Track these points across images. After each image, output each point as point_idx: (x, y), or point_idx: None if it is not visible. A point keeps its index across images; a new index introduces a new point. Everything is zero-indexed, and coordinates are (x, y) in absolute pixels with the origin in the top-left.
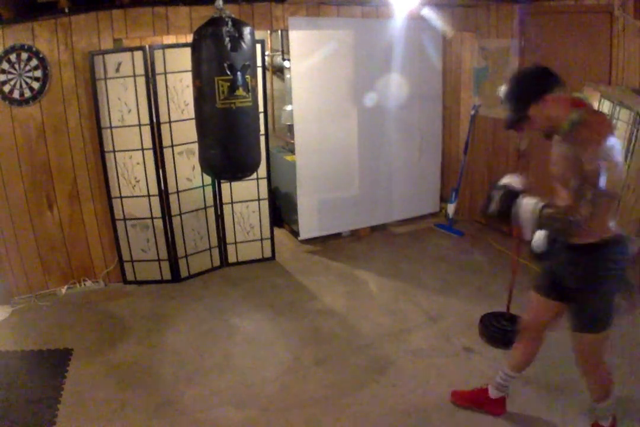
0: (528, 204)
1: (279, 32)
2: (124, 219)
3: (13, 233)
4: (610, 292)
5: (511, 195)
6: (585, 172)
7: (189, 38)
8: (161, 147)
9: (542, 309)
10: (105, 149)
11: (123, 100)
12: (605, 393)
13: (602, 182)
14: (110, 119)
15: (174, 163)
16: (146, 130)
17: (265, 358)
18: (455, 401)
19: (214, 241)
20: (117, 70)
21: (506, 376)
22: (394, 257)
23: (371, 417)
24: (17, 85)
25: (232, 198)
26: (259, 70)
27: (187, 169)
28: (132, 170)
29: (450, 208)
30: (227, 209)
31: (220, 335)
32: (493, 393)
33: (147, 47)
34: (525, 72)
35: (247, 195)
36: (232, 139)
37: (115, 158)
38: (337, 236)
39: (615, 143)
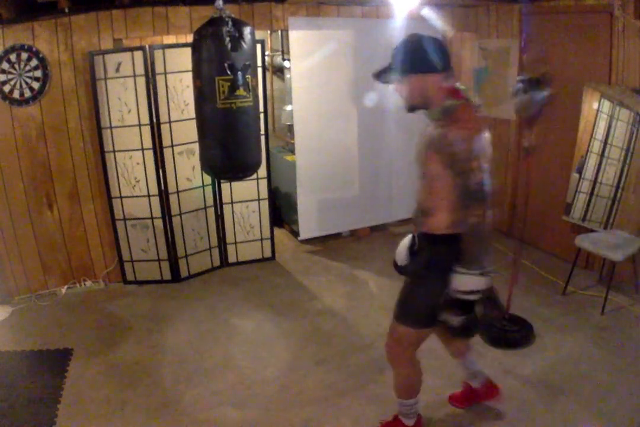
0: (459, 275)
1: (279, 32)
2: (124, 219)
3: (13, 233)
4: (435, 291)
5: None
6: (455, 168)
7: (189, 38)
8: (161, 147)
9: None
10: (105, 149)
11: (123, 100)
12: (408, 393)
13: (474, 178)
14: (110, 119)
15: (174, 163)
16: (146, 130)
17: (265, 358)
18: (455, 405)
19: (214, 241)
20: (117, 70)
21: (464, 365)
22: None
23: (371, 417)
24: (17, 85)
25: (232, 198)
26: (259, 70)
27: (187, 169)
28: (132, 170)
29: None
30: (227, 209)
31: (220, 335)
32: (475, 384)
33: (147, 47)
34: (430, 41)
35: (247, 195)
36: (232, 139)
37: (115, 158)
38: (337, 236)
39: (482, 142)
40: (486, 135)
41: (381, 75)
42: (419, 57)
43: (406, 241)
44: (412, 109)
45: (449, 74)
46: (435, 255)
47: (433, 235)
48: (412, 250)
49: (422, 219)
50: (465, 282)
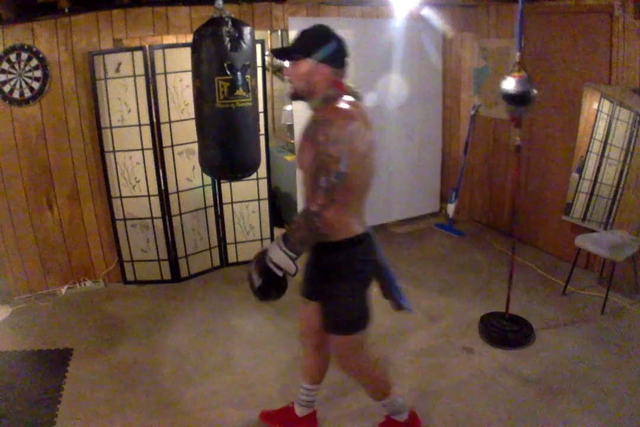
0: (273, 250)
1: (279, 32)
2: (124, 219)
3: (13, 233)
4: (358, 293)
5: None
6: (322, 155)
7: (189, 38)
8: (161, 147)
9: (310, 314)
10: (105, 149)
11: (123, 100)
12: (383, 393)
13: (343, 168)
14: (110, 119)
15: (174, 163)
16: (146, 130)
17: (265, 358)
18: (265, 422)
19: (214, 241)
20: (117, 70)
21: (307, 391)
22: (394, 257)
23: (371, 417)
24: (17, 85)
25: (232, 198)
26: (259, 70)
27: (187, 169)
28: (132, 170)
29: (450, 208)
30: (227, 209)
31: (220, 335)
32: (299, 411)
33: (147, 47)
34: (341, 41)
35: (247, 195)
36: (232, 139)
37: (115, 158)
38: None
39: (364, 133)
40: (364, 125)
41: (281, 53)
42: (321, 45)
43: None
44: (295, 96)
45: (341, 74)
46: (335, 266)
47: (326, 243)
48: (310, 262)
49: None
50: (279, 257)
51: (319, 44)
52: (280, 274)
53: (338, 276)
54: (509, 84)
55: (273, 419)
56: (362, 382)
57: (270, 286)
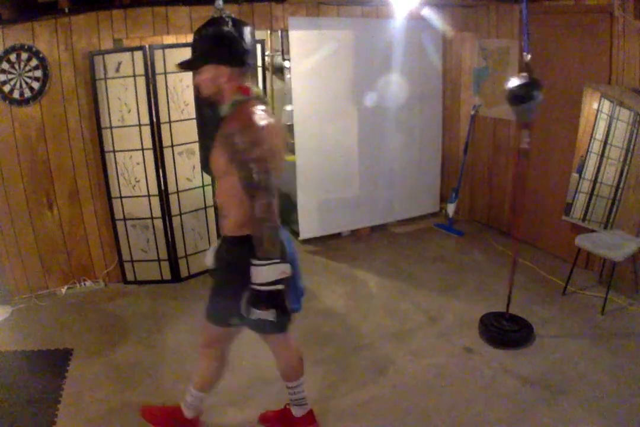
0: (256, 276)
1: (279, 32)
2: (124, 219)
3: (13, 233)
4: (233, 293)
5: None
6: (248, 161)
7: (189, 38)
8: (161, 147)
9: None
10: (105, 149)
11: (123, 100)
12: (205, 386)
13: (270, 166)
14: (110, 119)
15: (174, 163)
16: (146, 130)
17: (265, 358)
18: (145, 418)
19: (214, 240)
20: (117, 70)
21: (193, 397)
22: (394, 257)
23: (371, 417)
24: (17, 85)
25: None
26: (259, 70)
27: (187, 169)
28: (132, 170)
29: (450, 208)
30: None
31: None
32: (187, 413)
33: (147, 47)
34: (232, 37)
35: None
36: None
37: (115, 158)
38: (337, 236)
39: (275, 135)
40: (273, 129)
41: (184, 66)
42: (215, 47)
43: (216, 244)
44: (208, 102)
45: (244, 71)
46: (234, 258)
47: (232, 237)
48: (218, 253)
49: (222, 221)
50: (266, 273)
51: (213, 47)
52: (273, 288)
53: (236, 268)
54: (515, 84)
55: (156, 416)
56: (205, 367)
57: (281, 308)
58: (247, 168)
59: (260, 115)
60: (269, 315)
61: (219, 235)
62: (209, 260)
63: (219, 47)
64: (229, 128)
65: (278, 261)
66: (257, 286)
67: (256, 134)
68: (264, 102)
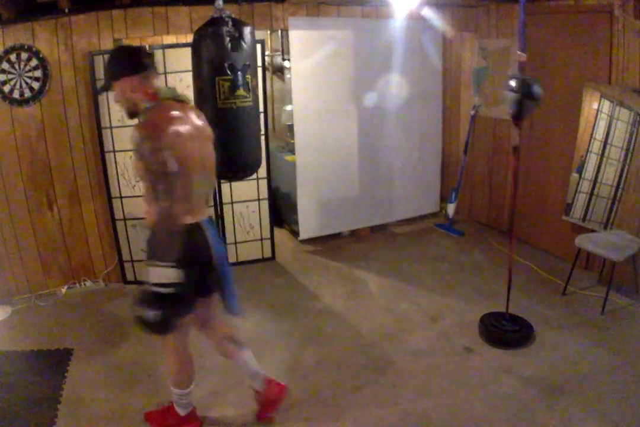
0: (150, 274)
1: (279, 32)
2: (124, 219)
3: (13, 233)
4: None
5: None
6: (152, 165)
7: (189, 38)
8: None
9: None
10: (105, 149)
11: None
12: (177, 383)
13: (172, 168)
14: (110, 119)
15: None
16: None
17: (265, 358)
18: (148, 421)
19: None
20: None
21: (177, 395)
22: (394, 257)
23: (371, 417)
24: (17, 85)
25: (232, 198)
26: (259, 70)
27: None
28: (132, 170)
29: (450, 208)
30: (227, 209)
31: None
32: (180, 411)
33: (147, 47)
34: (119, 50)
35: (247, 195)
36: (232, 139)
37: (115, 158)
38: (337, 236)
39: (189, 132)
40: (188, 124)
41: (102, 89)
42: (116, 64)
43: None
44: (131, 114)
45: (147, 75)
46: (154, 248)
47: (152, 229)
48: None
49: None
50: (159, 274)
51: (114, 65)
52: (163, 291)
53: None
54: (514, 84)
55: (157, 420)
56: (168, 363)
57: (166, 312)
58: (150, 173)
59: (165, 119)
60: (149, 315)
61: (218, 234)
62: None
63: (116, 63)
64: (133, 136)
65: (170, 265)
66: (149, 285)
67: (158, 140)
68: (182, 100)
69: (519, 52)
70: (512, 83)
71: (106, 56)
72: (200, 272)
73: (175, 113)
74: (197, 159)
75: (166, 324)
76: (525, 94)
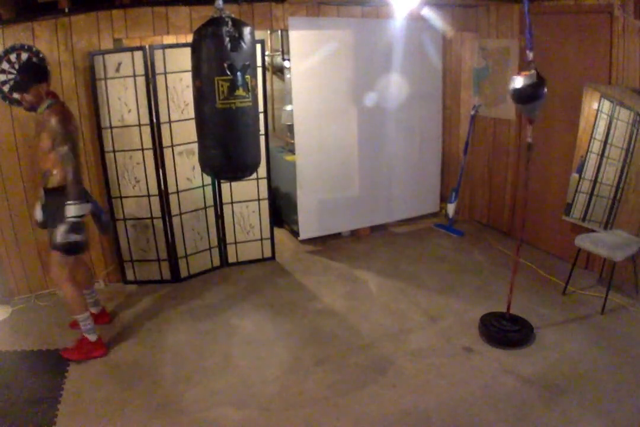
0: (69, 210)
1: (279, 32)
2: (124, 219)
3: (13, 233)
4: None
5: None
6: (67, 136)
7: (189, 38)
8: (161, 147)
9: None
10: (105, 149)
11: (123, 100)
12: (78, 308)
13: (70, 145)
14: (110, 119)
15: (174, 163)
16: (146, 130)
17: (265, 358)
18: (68, 358)
19: (214, 241)
20: (117, 70)
21: (82, 321)
22: (394, 257)
23: (371, 417)
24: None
25: (232, 198)
26: (259, 70)
27: (187, 169)
28: (132, 170)
29: (450, 208)
30: (227, 209)
31: (220, 335)
32: (91, 337)
33: (147, 47)
34: (28, 65)
35: (247, 196)
36: (232, 139)
37: (115, 158)
38: (337, 236)
39: (71, 122)
40: (70, 117)
41: (18, 89)
42: (27, 76)
43: (41, 200)
44: (32, 109)
45: (48, 83)
46: (58, 202)
47: (53, 188)
48: (43, 206)
49: (45, 179)
50: (76, 210)
51: (27, 75)
52: (81, 220)
53: (57, 208)
54: (521, 82)
55: (73, 354)
56: (65, 294)
57: (84, 235)
58: (61, 144)
59: (67, 108)
60: (77, 238)
61: (219, 235)
62: (38, 214)
63: (24, 77)
64: (51, 120)
65: (83, 202)
66: (71, 218)
67: (61, 125)
68: (60, 100)
69: (527, 51)
70: (522, 81)
71: (106, 56)
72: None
73: (65, 105)
74: (77, 140)
75: (84, 245)
76: (534, 92)
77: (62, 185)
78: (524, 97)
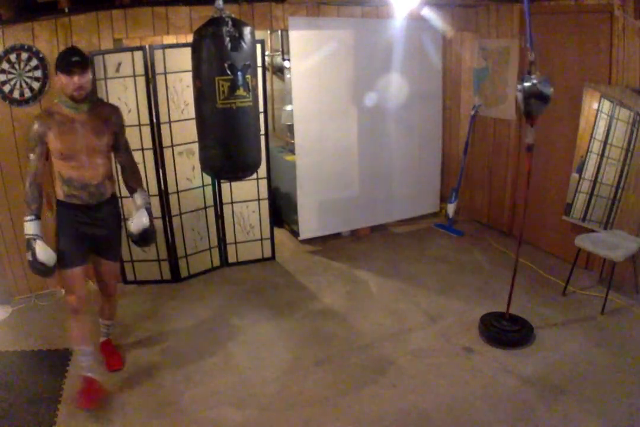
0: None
1: (279, 32)
2: (124, 219)
3: (13, 233)
4: (61, 236)
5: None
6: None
7: (189, 38)
8: (161, 147)
9: (82, 278)
10: None
11: (123, 100)
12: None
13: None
14: None
15: (174, 163)
16: (146, 130)
17: (265, 358)
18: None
19: (214, 241)
20: (117, 70)
21: (102, 324)
22: (394, 257)
23: (371, 417)
24: (17, 85)
25: (232, 198)
26: (259, 70)
27: (187, 169)
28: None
29: (450, 208)
30: (227, 209)
31: (220, 335)
32: (102, 338)
33: (147, 47)
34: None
35: (247, 195)
36: (232, 139)
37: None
38: (337, 236)
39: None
40: None
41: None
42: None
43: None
44: (84, 98)
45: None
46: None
47: (113, 195)
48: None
49: (100, 188)
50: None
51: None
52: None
53: (116, 216)
54: (529, 83)
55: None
56: (116, 301)
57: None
58: (125, 139)
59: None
60: (150, 226)
61: (219, 235)
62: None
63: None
64: (112, 109)
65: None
66: (148, 206)
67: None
68: None
69: (528, 51)
70: (526, 82)
71: (106, 56)
72: None
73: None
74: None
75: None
76: (537, 93)
77: (115, 192)
78: (537, 98)
